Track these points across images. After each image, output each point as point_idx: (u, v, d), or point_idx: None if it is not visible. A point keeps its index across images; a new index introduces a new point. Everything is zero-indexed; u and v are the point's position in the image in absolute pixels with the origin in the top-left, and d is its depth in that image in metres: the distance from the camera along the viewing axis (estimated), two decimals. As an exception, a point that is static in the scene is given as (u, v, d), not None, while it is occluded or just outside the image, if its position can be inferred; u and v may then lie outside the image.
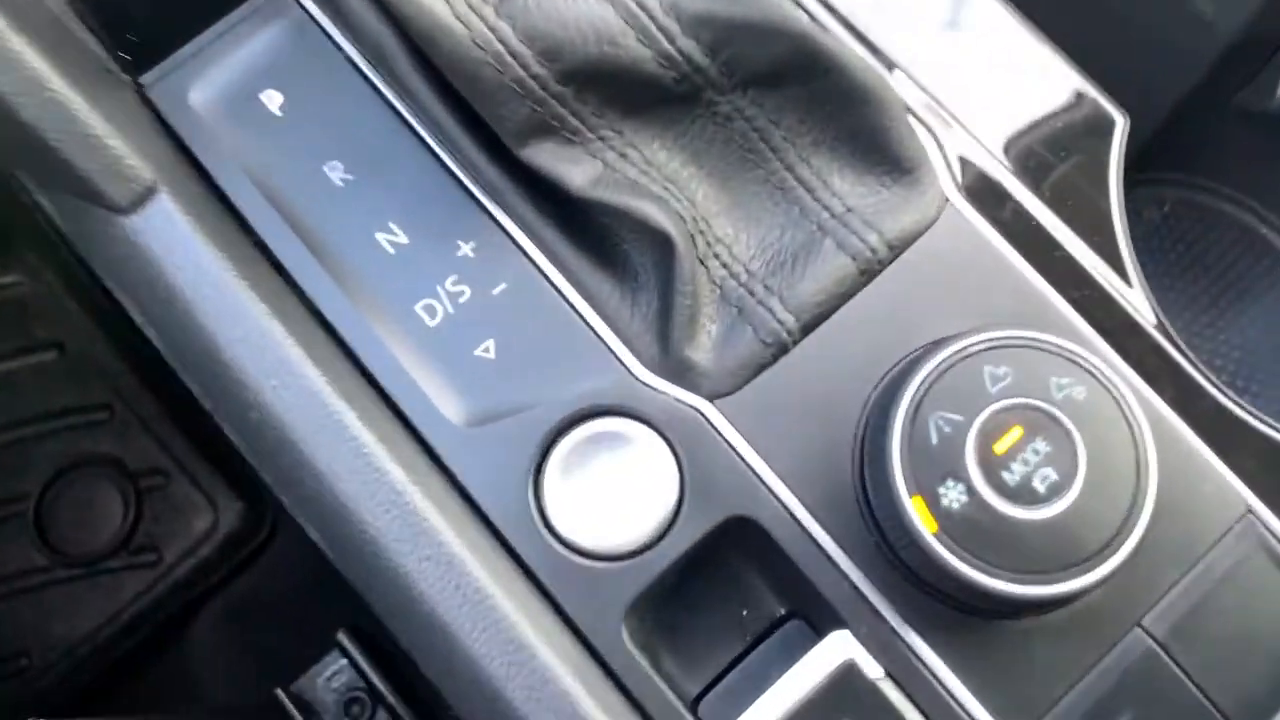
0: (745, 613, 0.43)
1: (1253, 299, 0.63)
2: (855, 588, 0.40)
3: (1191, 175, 0.63)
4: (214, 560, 1.16)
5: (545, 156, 0.40)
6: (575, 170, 0.40)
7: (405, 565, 0.38)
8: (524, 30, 0.39)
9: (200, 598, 1.11)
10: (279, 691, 0.99)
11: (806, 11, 0.44)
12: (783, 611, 0.43)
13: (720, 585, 0.43)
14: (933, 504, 0.37)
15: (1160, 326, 0.43)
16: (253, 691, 0.96)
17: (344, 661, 1.00)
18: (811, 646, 0.40)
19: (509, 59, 0.38)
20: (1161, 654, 0.40)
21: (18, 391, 1.20)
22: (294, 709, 0.99)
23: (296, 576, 1.14)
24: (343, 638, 0.98)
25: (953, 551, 0.37)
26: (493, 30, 0.38)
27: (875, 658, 0.39)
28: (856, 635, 0.39)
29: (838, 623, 0.40)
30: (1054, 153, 0.45)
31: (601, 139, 0.41)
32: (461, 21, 0.38)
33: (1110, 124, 0.46)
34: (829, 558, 0.40)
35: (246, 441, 0.40)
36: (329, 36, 0.44)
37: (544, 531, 0.40)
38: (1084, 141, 0.46)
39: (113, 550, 1.20)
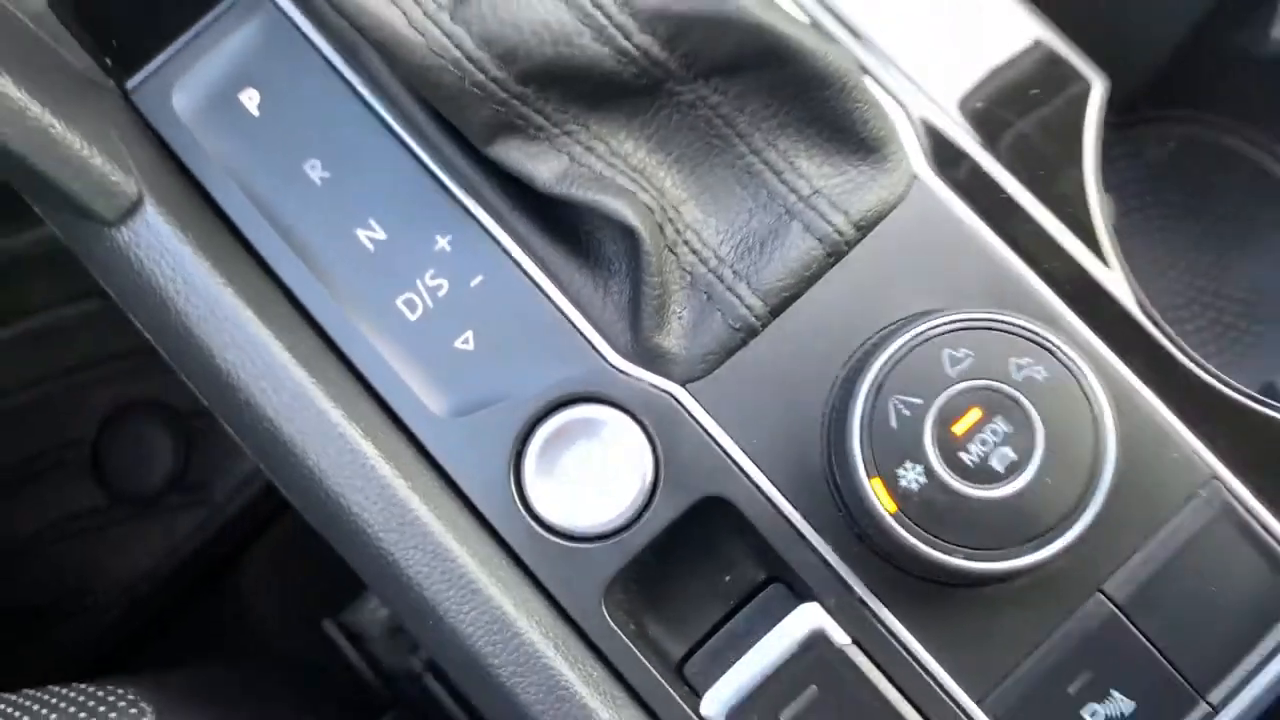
0: (727, 578, 0.45)
1: (1261, 237, 0.62)
2: (824, 561, 0.41)
3: (1200, 112, 0.62)
4: (261, 499, 1.21)
5: (512, 154, 0.41)
6: (542, 166, 0.41)
7: (394, 554, 0.40)
8: (480, 35, 0.39)
9: (249, 535, 1.16)
10: (327, 622, 1.04)
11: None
12: (763, 576, 0.44)
13: (702, 553, 0.45)
14: (892, 485, 0.38)
15: (1134, 298, 0.43)
16: (303, 624, 1.01)
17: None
18: (792, 610, 0.42)
19: (467, 64, 0.39)
20: (1122, 618, 0.41)
21: (69, 338, 1.24)
22: (343, 638, 1.04)
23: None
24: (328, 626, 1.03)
25: (911, 531, 0.38)
26: (449, 36, 0.39)
27: (843, 626, 0.41)
28: (825, 606, 0.41)
29: (808, 594, 0.41)
30: (1028, 121, 0.45)
31: (567, 133, 0.42)
32: (418, 30, 0.39)
33: (1086, 89, 0.45)
34: (799, 533, 0.41)
35: (242, 438, 0.43)
36: (303, 33, 0.45)
37: (525, 515, 0.42)
38: (1060, 108, 0.45)
39: (166, 488, 1.25)
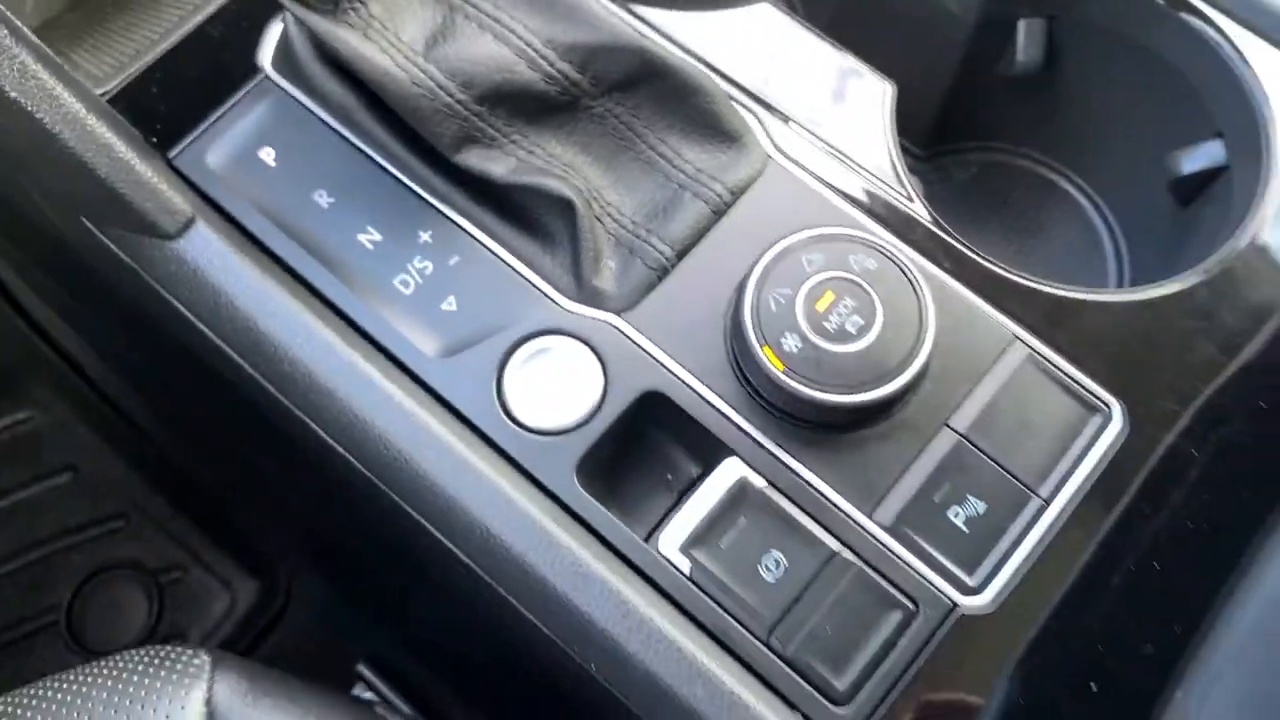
0: (670, 477, 0.57)
1: (1048, 229, 0.80)
2: (738, 426, 0.54)
3: (986, 141, 0.81)
4: (235, 636, 1.27)
5: (474, 159, 0.56)
6: (497, 166, 0.56)
7: (409, 450, 0.52)
8: (446, 69, 0.55)
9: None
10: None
11: (652, 37, 0.61)
12: (697, 472, 0.57)
13: (648, 458, 0.57)
14: (779, 351, 0.52)
15: (935, 222, 0.59)
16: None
17: (368, 693, 1.12)
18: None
19: (438, 90, 0.55)
20: (966, 442, 0.54)
21: (38, 513, 1.32)
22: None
23: (314, 633, 1.26)
24: (362, 668, 1.10)
25: (797, 381, 0.52)
26: (424, 72, 0.55)
27: (760, 473, 0.54)
28: (744, 460, 0.54)
29: (730, 454, 0.54)
30: (842, 117, 0.62)
31: (513, 142, 0.57)
32: (401, 69, 0.55)
33: (881, 90, 0.63)
34: (716, 408, 0.54)
35: (282, 390, 0.55)
36: (303, 105, 0.60)
37: (508, 420, 0.54)
38: (863, 105, 0.62)
39: (140, 643, 1.29)
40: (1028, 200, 0.80)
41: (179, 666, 0.57)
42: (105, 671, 0.57)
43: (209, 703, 0.54)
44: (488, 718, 1.00)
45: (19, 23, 0.52)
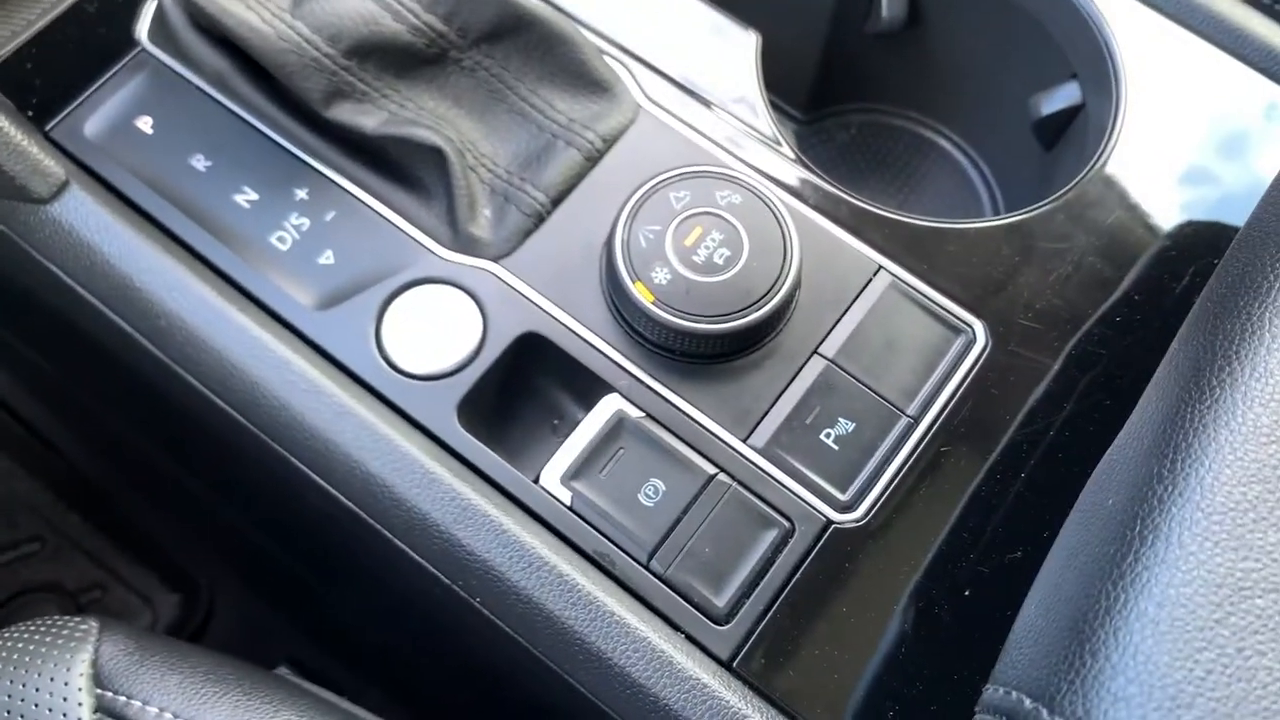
0: (555, 423, 0.58)
1: (925, 186, 0.82)
2: (615, 362, 0.55)
3: (866, 102, 0.83)
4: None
5: (345, 113, 0.57)
6: (368, 119, 0.57)
7: (285, 396, 0.53)
8: (312, 24, 0.56)
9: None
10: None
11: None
12: (581, 417, 0.58)
13: (532, 404, 0.58)
14: (650, 284, 0.54)
15: (800, 161, 0.61)
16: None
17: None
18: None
19: (305, 45, 0.56)
20: (835, 367, 0.56)
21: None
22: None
23: (239, 644, 1.24)
24: (282, 669, 1.09)
25: (667, 311, 0.53)
26: (291, 28, 0.56)
27: (636, 405, 0.55)
28: (621, 393, 0.55)
29: (607, 390, 0.55)
30: (710, 66, 0.64)
31: (384, 96, 0.58)
32: (269, 25, 0.55)
33: (748, 40, 0.65)
34: (594, 346, 0.56)
35: (158, 345, 0.55)
36: (179, 74, 0.61)
37: (387, 366, 0.55)
38: (729, 55, 0.64)
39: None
40: (905, 157, 0.82)
41: (64, 632, 0.56)
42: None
43: (95, 664, 0.54)
44: (411, 715, 1.00)
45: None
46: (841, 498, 0.53)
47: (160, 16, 0.61)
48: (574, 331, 0.56)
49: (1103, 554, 0.37)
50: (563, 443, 0.55)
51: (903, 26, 0.74)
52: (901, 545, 0.53)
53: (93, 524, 1.29)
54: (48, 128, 0.60)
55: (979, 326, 0.57)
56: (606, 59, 0.62)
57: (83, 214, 0.56)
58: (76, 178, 0.57)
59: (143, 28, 0.62)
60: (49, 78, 0.61)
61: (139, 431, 0.82)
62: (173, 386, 0.57)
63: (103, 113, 0.60)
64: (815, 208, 0.60)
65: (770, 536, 0.53)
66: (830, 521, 0.53)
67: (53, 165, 0.55)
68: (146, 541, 1.28)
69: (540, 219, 0.58)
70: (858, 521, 0.53)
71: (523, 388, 0.57)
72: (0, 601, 1.28)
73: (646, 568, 0.52)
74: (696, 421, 0.55)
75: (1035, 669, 0.36)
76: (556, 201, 0.58)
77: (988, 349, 0.57)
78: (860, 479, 0.54)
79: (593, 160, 0.59)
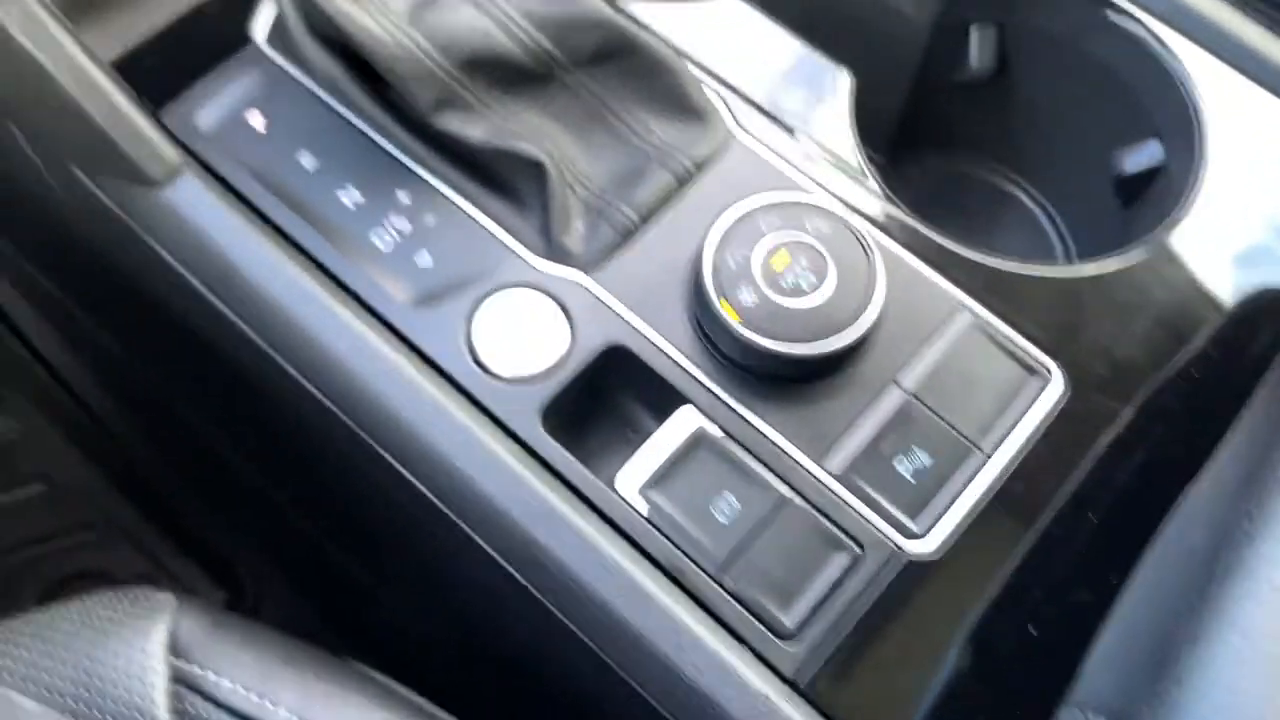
0: (632, 434, 0.60)
1: (999, 234, 0.83)
2: (695, 378, 0.57)
3: (944, 147, 0.85)
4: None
5: (452, 123, 0.59)
6: (474, 130, 0.59)
7: (379, 388, 0.55)
8: (428, 35, 0.58)
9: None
10: None
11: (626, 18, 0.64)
12: (656, 429, 0.59)
13: (612, 414, 0.59)
14: (736, 305, 0.55)
15: (888, 197, 0.63)
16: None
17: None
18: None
19: (419, 54, 0.58)
20: (913, 399, 0.57)
21: (8, 522, 1.31)
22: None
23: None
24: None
25: (753, 331, 0.55)
26: (408, 37, 0.58)
27: (715, 422, 0.56)
28: (700, 409, 0.56)
29: (687, 405, 0.56)
30: (803, 100, 0.66)
31: (490, 109, 0.60)
32: (388, 34, 0.58)
33: (841, 80, 0.67)
34: (675, 361, 0.57)
35: (259, 332, 0.57)
36: (291, 75, 0.64)
37: (476, 367, 0.57)
38: (824, 93, 0.66)
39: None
40: (982, 207, 0.83)
41: (143, 602, 0.58)
42: (72, 608, 0.59)
43: (172, 634, 0.55)
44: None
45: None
46: (913, 527, 0.54)
47: (279, 18, 0.64)
48: (657, 346, 0.57)
49: (1189, 587, 0.37)
50: (636, 452, 0.57)
51: (991, 76, 0.75)
52: (970, 578, 0.54)
53: (146, 516, 1.31)
54: (161, 112, 0.62)
55: (1056, 370, 0.58)
56: (704, 88, 0.64)
57: (193, 200, 0.58)
58: (188, 164, 0.59)
59: (258, 27, 0.65)
60: (166, 72, 0.63)
61: (213, 424, 0.84)
62: (267, 373, 0.59)
63: (215, 105, 0.63)
64: (900, 242, 0.61)
65: (840, 560, 0.53)
66: (901, 549, 0.54)
67: (169, 150, 0.58)
68: (196, 538, 1.30)
69: (629, 235, 0.60)
70: (928, 551, 0.54)
71: (605, 400, 0.59)
72: (49, 588, 1.30)
73: (717, 581, 0.53)
74: (773, 442, 0.56)
75: (1116, 694, 0.37)
76: (646, 219, 0.60)
77: (1065, 392, 0.58)
78: (932, 510, 0.55)
79: (683, 182, 0.61)
